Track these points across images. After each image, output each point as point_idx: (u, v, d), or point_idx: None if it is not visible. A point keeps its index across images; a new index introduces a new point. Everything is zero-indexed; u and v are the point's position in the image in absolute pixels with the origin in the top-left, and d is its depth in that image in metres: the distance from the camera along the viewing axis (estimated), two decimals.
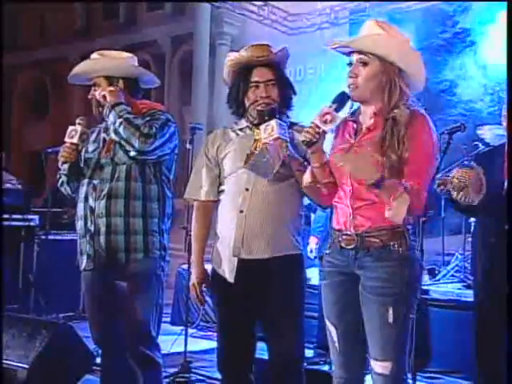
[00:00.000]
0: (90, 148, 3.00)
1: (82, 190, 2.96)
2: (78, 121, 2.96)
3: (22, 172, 11.29)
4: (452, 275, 5.44)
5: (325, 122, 2.22)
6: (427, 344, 4.57)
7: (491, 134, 5.27)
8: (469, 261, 5.08)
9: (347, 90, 2.33)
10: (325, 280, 2.38)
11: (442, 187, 3.16)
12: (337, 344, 2.34)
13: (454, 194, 2.96)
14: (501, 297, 3.29)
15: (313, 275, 3.98)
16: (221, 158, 2.74)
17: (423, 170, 2.25)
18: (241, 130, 2.76)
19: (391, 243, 2.25)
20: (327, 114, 2.23)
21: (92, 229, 2.88)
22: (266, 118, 2.59)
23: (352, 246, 2.28)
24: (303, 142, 2.27)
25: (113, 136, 2.88)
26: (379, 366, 2.24)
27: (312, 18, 8.95)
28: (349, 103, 2.36)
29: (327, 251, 2.39)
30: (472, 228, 4.16)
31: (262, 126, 2.55)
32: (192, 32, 10.99)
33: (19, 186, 6.27)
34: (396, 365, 2.23)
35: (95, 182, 2.92)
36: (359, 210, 2.28)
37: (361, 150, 2.22)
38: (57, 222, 6.40)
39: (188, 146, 4.59)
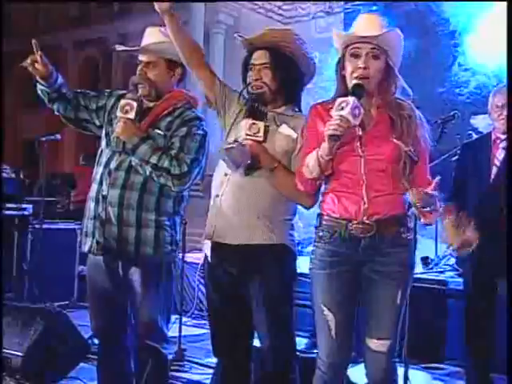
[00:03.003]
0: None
1: (98, 171, 2.86)
2: (130, 95, 2.80)
3: (16, 160, 11.27)
4: (445, 264, 5.46)
5: (355, 116, 2.20)
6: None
7: (485, 123, 5.27)
8: None
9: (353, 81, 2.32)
10: (326, 269, 2.38)
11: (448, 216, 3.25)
12: (333, 332, 2.37)
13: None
14: (491, 284, 3.33)
15: (302, 264, 3.98)
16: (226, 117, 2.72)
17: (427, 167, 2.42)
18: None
19: (401, 229, 2.37)
20: (357, 107, 2.20)
21: (103, 216, 2.79)
22: (254, 102, 2.60)
23: (368, 235, 2.33)
24: (332, 136, 2.21)
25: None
26: (380, 345, 2.36)
27: (307, 7, 8.95)
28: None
29: (326, 240, 2.39)
30: None
31: (249, 122, 2.53)
32: (187, 20, 10.95)
33: (13, 175, 6.26)
34: (393, 343, 2.38)
35: (112, 167, 2.81)
36: (374, 200, 2.33)
37: (382, 141, 2.31)
38: (51, 211, 6.40)
39: None
